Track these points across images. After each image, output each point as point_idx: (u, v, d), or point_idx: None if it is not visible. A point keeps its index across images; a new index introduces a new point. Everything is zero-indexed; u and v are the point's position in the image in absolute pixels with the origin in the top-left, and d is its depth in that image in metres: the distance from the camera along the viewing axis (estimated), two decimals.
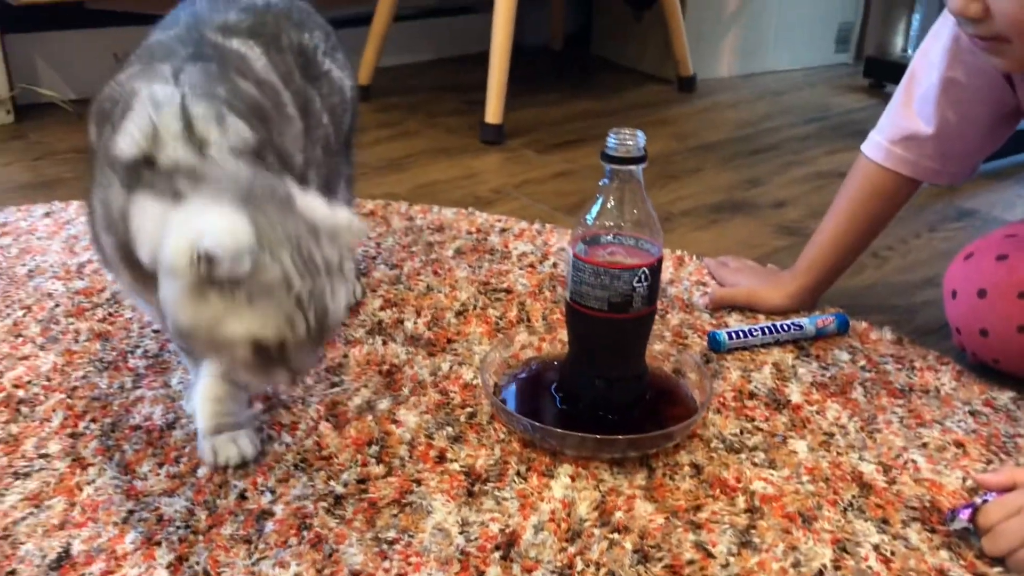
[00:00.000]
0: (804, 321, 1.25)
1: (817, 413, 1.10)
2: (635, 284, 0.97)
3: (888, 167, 1.23)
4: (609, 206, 0.98)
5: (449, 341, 1.23)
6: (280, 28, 1.02)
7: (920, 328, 1.32)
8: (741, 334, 1.22)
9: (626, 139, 0.95)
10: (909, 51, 3.14)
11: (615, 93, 2.56)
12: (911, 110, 1.21)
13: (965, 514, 0.89)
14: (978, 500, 0.90)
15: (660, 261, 0.99)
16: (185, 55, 0.90)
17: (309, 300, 0.75)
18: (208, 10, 1.00)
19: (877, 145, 1.25)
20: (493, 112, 2.08)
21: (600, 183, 0.98)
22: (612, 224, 0.98)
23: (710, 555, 0.87)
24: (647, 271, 0.97)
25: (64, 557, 0.84)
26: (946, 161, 1.21)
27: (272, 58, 0.97)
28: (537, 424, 0.99)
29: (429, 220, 1.62)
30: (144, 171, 0.79)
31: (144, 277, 0.82)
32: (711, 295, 1.34)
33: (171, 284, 0.74)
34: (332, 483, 0.95)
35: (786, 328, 1.24)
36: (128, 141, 0.80)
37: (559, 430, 0.99)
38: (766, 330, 1.23)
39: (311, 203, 0.80)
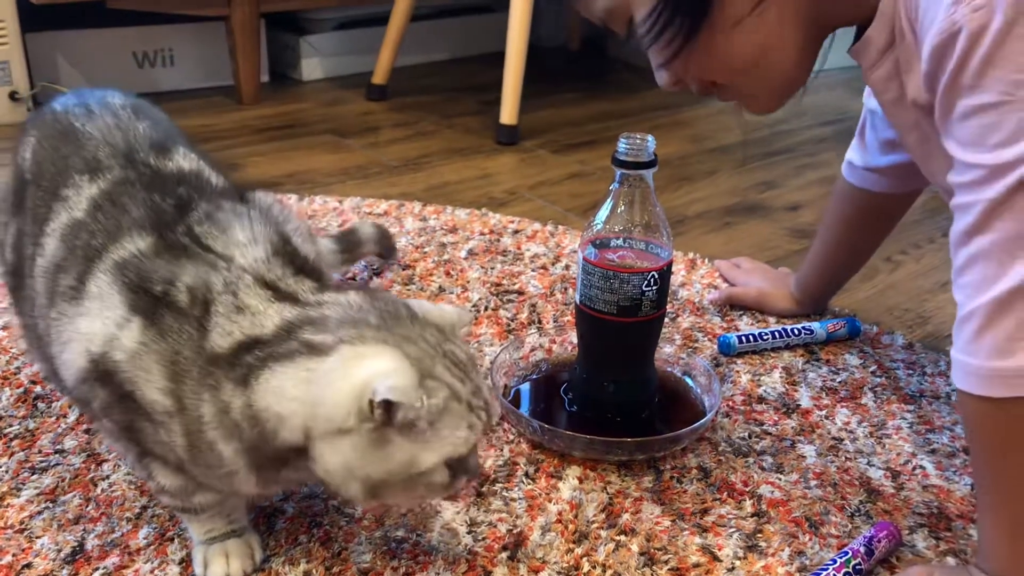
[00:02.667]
0: (815, 325, 1.25)
1: (826, 418, 1.10)
2: (644, 288, 0.98)
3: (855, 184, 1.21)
4: (619, 210, 0.98)
5: None
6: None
7: (932, 333, 1.32)
8: (751, 338, 1.23)
9: (636, 143, 0.96)
10: None
11: (631, 94, 2.56)
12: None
13: None
14: None
15: (670, 265, 1.00)
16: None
17: (476, 400, 0.72)
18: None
19: (847, 165, 1.22)
20: (508, 113, 2.09)
21: (611, 187, 0.99)
22: (622, 228, 0.99)
23: (716, 558, 0.88)
24: (656, 275, 0.98)
25: (78, 551, 0.86)
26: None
27: None
28: (546, 426, 1.00)
29: (443, 221, 1.63)
30: (256, 351, 0.73)
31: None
32: (720, 293, 1.35)
33: (343, 443, 0.69)
34: None
35: (796, 332, 1.24)
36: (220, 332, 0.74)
37: (567, 432, 0.99)
38: (776, 334, 1.23)
39: (424, 307, 0.77)
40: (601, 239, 0.99)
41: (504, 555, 0.87)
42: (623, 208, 0.98)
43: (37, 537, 0.88)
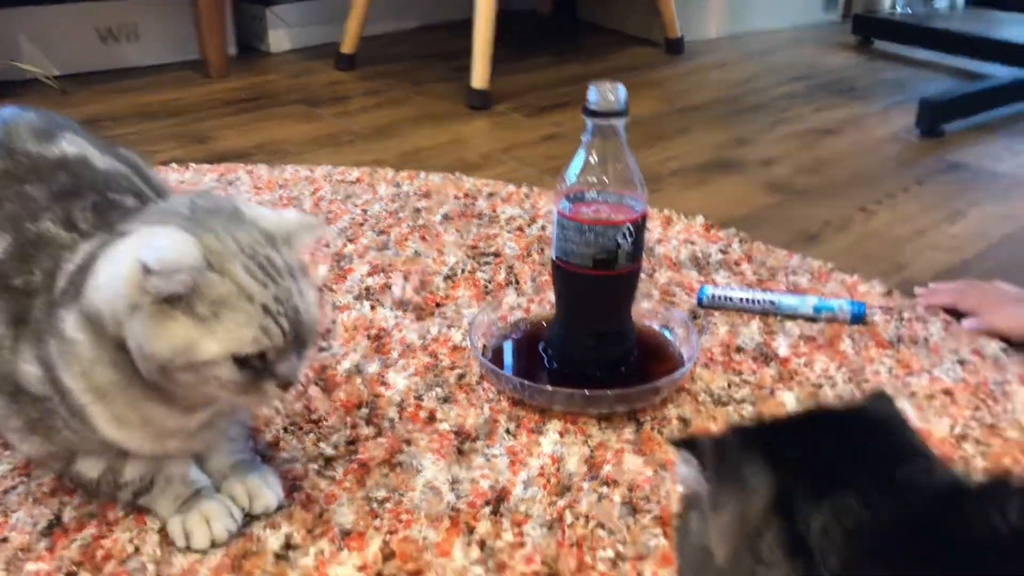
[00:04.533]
0: (812, 300, 1.21)
1: (805, 365, 1.10)
2: (619, 240, 0.97)
3: None
4: (592, 162, 0.98)
5: (438, 305, 1.23)
6: None
7: (909, 280, 1.32)
8: (728, 298, 1.22)
9: (607, 93, 0.95)
10: (897, 8, 3.13)
11: (603, 56, 2.55)
12: None
13: None
14: None
15: (645, 217, 0.99)
16: None
17: (277, 305, 0.73)
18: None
19: None
20: (479, 77, 2.07)
21: (582, 139, 0.98)
22: (595, 180, 0.98)
23: None
24: (631, 227, 0.97)
25: (55, 524, 0.85)
26: None
27: None
28: (526, 382, 0.99)
29: (416, 186, 1.61)
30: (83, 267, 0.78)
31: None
32: (977, 323, 1.19)
33: (136, 321, 0.72)
34: (322, 445, 0.96)
35: (787, 306, 1.21)
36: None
37: (547, 387, 0.99)
38: (759, 302, 1.21)
39: (260, 212, 0.79)
40: (575, 193, 0.99)
41: (487, 510, 0.87)
42: (595, 160, 0.98)
43: (12, 511, 0.86)
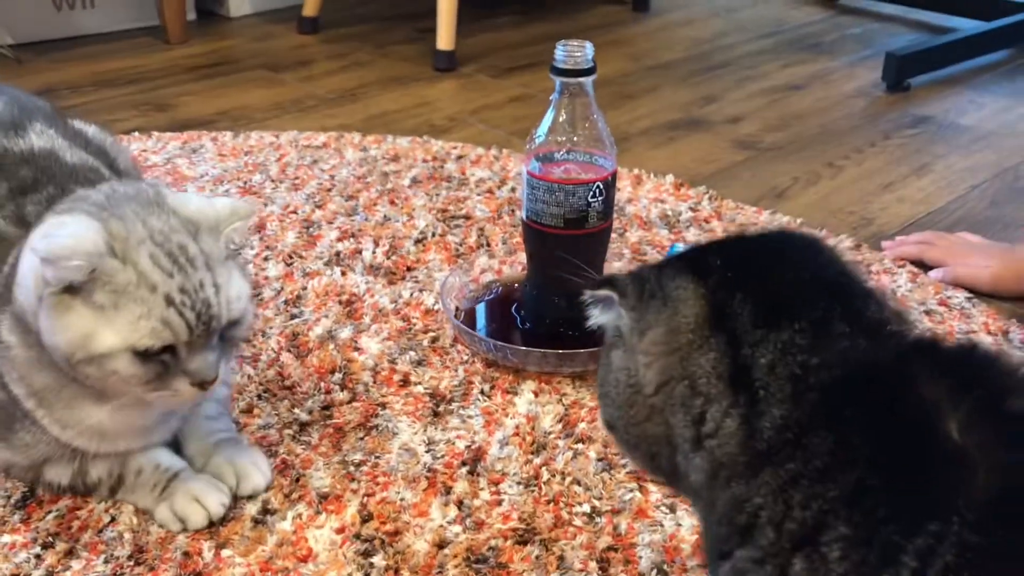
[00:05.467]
0: None
1: None
2: (590, 199, 0.97)
3: None
4: (560, 120, 0.97)
5: (409, 269, 1.22)
6: None
7: (876, 233, 1.34)
8: None
9: (574, 51, 0.94)
10: None
11: (568, 15, 2.52)
12: None
13: None
14: None
15: (614, 175, 0.99)
16: None
17: (183, 296, 0.69)
18: None
19: None
20: (445, 38, 2.04)
21: (550, 98, 0.97)
22: (564, 139, 0.98)
23: None
24: (601, 185, 0.97)
25: (29, 496, 0.84)
26: None
27: None
28: (499, 343, 0.99)
29: (384, 150, 1.60)
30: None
31: None
32: (944, 272, 1.20)
33: (42, 311, 0.70)
34: (296, 411, 0.95)
35: None
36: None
37: (521, 347, 0.99)
38: None
39: (186, 199, 0.76)
40: (544, 152, 0.98)
41: (464, 470, 0.88)
42: (564, 119, 0.97)
43: None
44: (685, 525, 0.81)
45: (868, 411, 0.46)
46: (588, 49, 0.94)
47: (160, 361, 0.70)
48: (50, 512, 0.83)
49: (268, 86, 1.97)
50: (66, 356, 0.70)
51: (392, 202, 1.40)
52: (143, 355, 0.69)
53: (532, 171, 0.98)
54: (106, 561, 0.78)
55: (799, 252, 0.56)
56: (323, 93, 1.93)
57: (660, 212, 1.37)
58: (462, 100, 1.91)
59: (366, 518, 0.82)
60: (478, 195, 1.43)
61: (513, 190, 1.45)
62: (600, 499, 0.84)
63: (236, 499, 0.83)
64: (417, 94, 1.93)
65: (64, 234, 0.68)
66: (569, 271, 1.03)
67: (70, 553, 0.78)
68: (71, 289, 0.68)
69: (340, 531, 0.81)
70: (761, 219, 1.36)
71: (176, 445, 0.86)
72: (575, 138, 0.97)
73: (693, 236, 1.30)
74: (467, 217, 1.36)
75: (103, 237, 0.69)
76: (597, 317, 0.59)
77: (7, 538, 0.80)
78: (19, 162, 0.85)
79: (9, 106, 0.90)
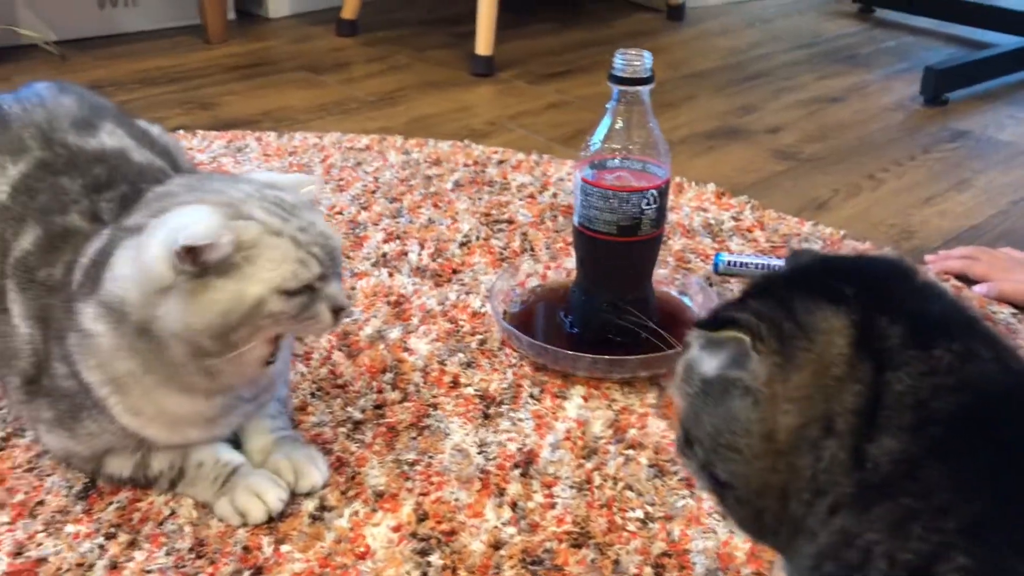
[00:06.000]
0: None
1: None
2: (643, 207, 0.98)
3: None
4: (616, 128, 0.98)
5: (455, 271, 1.23)
6: None
7: (919, 248, 1.34)
8: (742, 264, 1.24)
9: (633, 60, 0.95)
10: None
11: (604, 23, 2.54)
12: None
13: None
14: None
15: (668, 184, 1.00)
16: None
17: (304, 236, 0.74)
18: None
19: None
20: (484, 44, 2.06)
21: (607, 105, 0.98)
22: (619, 147, 0.99)
23: None
24: (655, 193, 0.98)
25: (90, 487, 0.86)
26: None
27: None
28: (551, 347, 1.00)
29: (426, 154, 1.61)
30: (97, 260, 0.79)
31: None
32: (989, 287, 1.20)
33: (172, 302, 0.73)
34: (349, 409, 0.97)
35: None
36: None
37: (572, 352, 1.00)
38: (775, 268, 1.23)
39: (254, 174, 0.82)
40: (599, 159, 0.99)
41: (516, 472, 0.89)
42: (620, 126, 0.98)
43: (47, 475, 0.87)
44: (738, 533, 0.82)
45: (998, 439, 0.45)
46: (647, 58, 0.95)
47: (302, 296, 0.75)
48: (111, 503, 0.84)
49: (309, 87, 1.99)
50: (219, 329, 0.73)
51: (436, 205, 1.41)
52: (289, 294, 0.74)
53: (586, 177, 0.99)
54: (168, 553, 0.79)
55: (909, 275, 0.54)
56: (363, 95, 1.94)
57: (703, 221, 1.38)
58: (500, 105, 1.92)
59: (422, 517, 0.83)
60: (520, 200, 1.44)
61: (555, 196, 1.46)
62: (653, 505, 0.85)
63: (294, 495, 0.84)
64: (456, 98, 1.95)
65: (191, 222, 0.71)
66: (620, 279, 1.04)
67: (132, 544, 0.80)
68: (202, 271, 0.71)
69: (396, 529, 0.82)
70: (804, 230, 1.36)
71: (235, 442, 0.87)
72: (630, 146, 0.98)
73: (736, 245, 1.31)
74: (510, 221, 1.37)
75: (216, 210, 0.72)
76: (705, 362, 0.53)
77: (71, 528, 0.81)
78: (92, 160, 0.87)
79: (80, 105, 0.92)
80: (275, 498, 0.82)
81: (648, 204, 0.98)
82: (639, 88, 0.96)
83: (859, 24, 2.55)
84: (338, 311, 0.78)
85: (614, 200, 0.97)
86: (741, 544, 0.81)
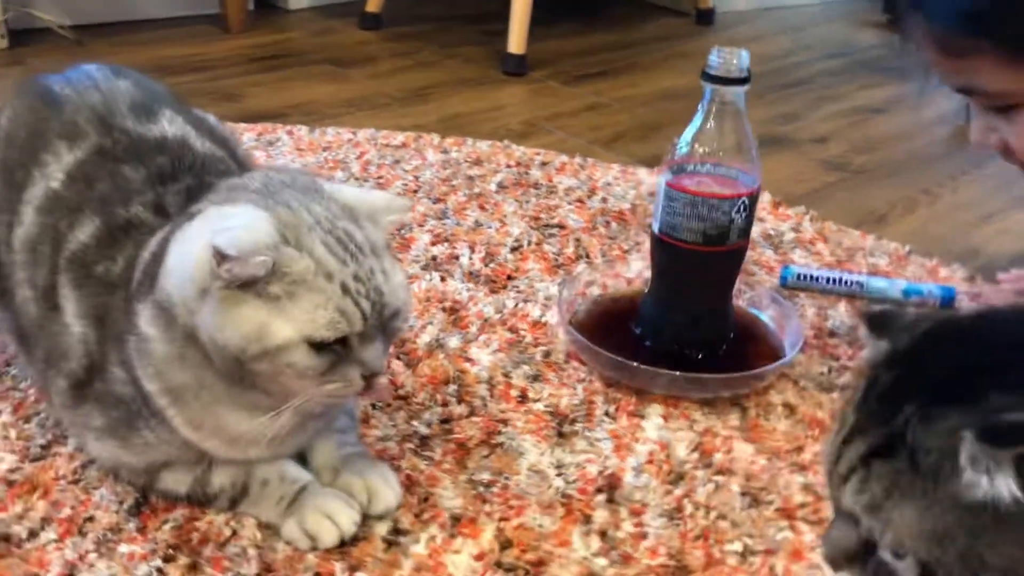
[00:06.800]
0: (901, 285, 1.17)
1: None
2: (734, 215, 0.92)
3: None
4: (707, 130, 0.92)
5: (509, 278, 1.17)
6: None
7: (987, 265, 1.29)
8: (812, 277, 1.18)
9: (730, 58, 0.89)
10: None
11: (632, 26, 2.48)
12: None
13: None
14: None
15: (758, 191, 0.94)
16: None
17: (357, 284, 0.66)
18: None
19: None
20: (516, 42, 2.00)
21: (699, 105, 0.92)
22: (709, 151, 0.93)
23: (821, 497, 0.83)
24: (746, 201, 0.92)
25: (142, 503, 0.79)
26: None
27: None
28: (631, 363, 0.94)
29: (465, 153, 1.55)
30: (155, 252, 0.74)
31: None
32: None
33: (207, 307, 0.66)
34: (415, 423, 0.90)
35: (876, 288, 1.17)
36: None
37: (651, 368, 0.94)
38: (847, 283, 1.17)
39: (340, 187, 0.73)
40: (686, 163, 0.93)
41: (600, 497, 0.82)
42: (711, 128, 0.92)
43: (94, 488, 0.80)
44: None
45: None
46: (744, 58, 0.90)
47: (333, 351, 0.66)
48: (167, 522, 0.77)
49: (335, 81, 1.93)
50: (236, 353, 0.65)
51: (482, 207, 1.35)
52: (318, 346, 0.65)
53: (671, 182, 0.93)
54: None
55: None
56: (392, 91, 1.88)
57: (762, 231, 1.32)
58: (535, 106, 1.86)
59: (504, 544, 0.77)
60: (568, 204, 1.38)
61: (604, 200, 1.39)
62: (751, 537, 0.79)
63: (365, 518, 0.78)
64: (488, 97, 1.89)
65: (240, 227, 0.64)
66: (701, 291, 0.98)
67: (193, 568, 0.73)
68: (244, 284, 0.63)
69: (479, 558, 0.75)
70: (867, 244, 1.30)
71: (299, 456, 0.81)
72: (720, 151, 0.92)
73: (800, 258, 1.25)
74: (561, 227, 1.31)
75: (275, 226, 0.65)
76: (997, 486, 0.43)
77: (125, 548, 0.74)
78: (154, 149, 0.81)
79: (138, 89, 0.86)
80: (348, 521, 0.75)
81: (738, 212, 0.92)
82: (734, 88, 0.90)
83: (891, 35, 2.51)
84: (372, 376, 0.69)
85: (703, 207, 0.91)
86: None
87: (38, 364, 0.81)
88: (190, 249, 0.67)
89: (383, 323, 0.68)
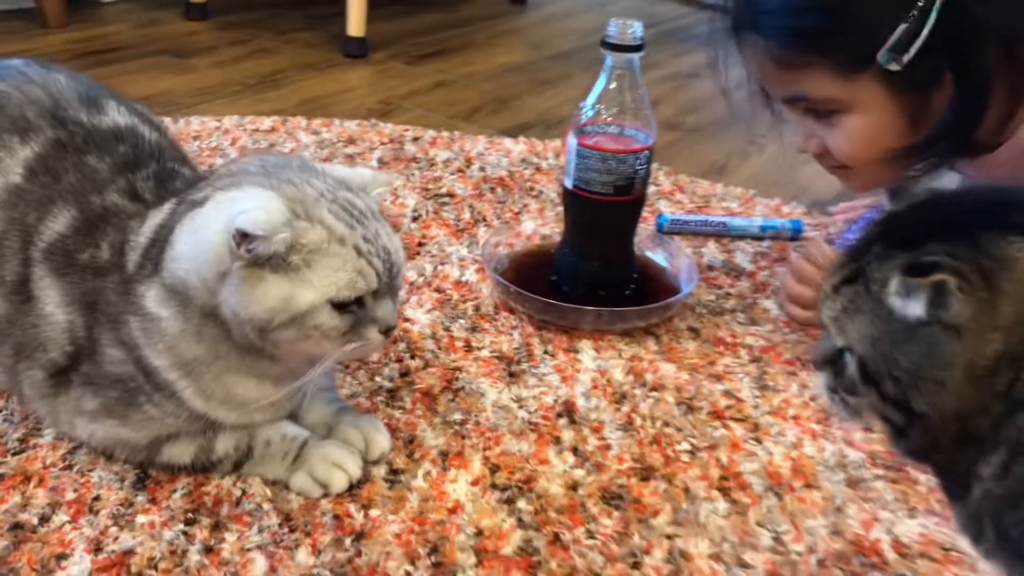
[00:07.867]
0: (757, 222, 1.34)
1: (770, 277, 1.23)
2: (637, 167, 1.04)
3: None
4: (609, 92, 1.04)
5: (420, 244, 1.25)
6: None
7: (816, 201, 1.49)
8: (683, 222, 1.33)
9: (626, 27, 1.01)
10: None
11: (452, 6, 2.58)
12: None
13: None
14: None
15: (654, 146, 1.07)
16: None
17: (368, 246, 0.72)
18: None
19: None
20: (356, 24, 2.05)
21: (601, 72, 1.04)
22: (611, 112, 1.05)
23: (740, 400, 0.98)
24: (647, 154, 1.05)
25: (144, 477, 0.82)
26: None
27: None
28: (562, 304, 1.05)
29: (336, 133, 1.60)
30: (158, 237, 0.77)
31: None
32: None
33: (227, 287, 0.70)
34: (378, 379, 0.97)
35: (737, 226, 1.34)
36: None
37: (580, 307, 1.05)
38: (713, 224, 1.33)
39: (330, 166, 0.79)
40: (592, 124, 1.05)
41: (563, 421, 0.93)
42: (611, 91, 1.04)
43: (89, 471, 0.82)
44: (775, 453, 0.90)
45: None
46: (638, 27, 1.02)
47: (351, 312, 0.72)
48: (175, 491, 0.81)
49: (179, 72, 1.91)
50: (263, 324, 0.70)
51: None
52: (339, 307, 0.71)
53: (582, 142, 1.04)
54: (260, 531, 0.77)
55: None
56: (241, 79, 1.88)
57: None
58: (384, 87, 1.92)
59: (493, 469, 0.86)
60: (451, 175, 1.47)
61: (482, 169, 1.49)
62: (695, 437, 0.92)
63: (363, 463, 0.85)
64: (338, 80, 1.93)
65: (254, 207, 0.68)
66: (611, 237, 1.11)
67: (218, 527, 0.77)
68: (261, 261, 0.68)
69: (475, 483, 0.84)
70: (717, 191, 1.48)
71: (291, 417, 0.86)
72: (621, 111, 1.04)
73: (665, 207, 1.40)
74: (451, 195, 1.40)
75: (284, 203, 0.70)
76: (908, 306, 0.56)
77: (142, 518, 0.78)
78: (111, 139, 0.83)
79: (78, 82, 0.87)
80: (354, 465, 0.82)
81: (641, 165, 1.04)
82: (631, 55, 1.02)
83: (686, 6, 2.74)
84: (388, 331, 0.75)
85: (612, 161, 1.03)
86: (780, 462, 0.90)
87: (4, 360, 0.82)
88: (204, 236, 0.71)
89: (391, 280, 0.75)
